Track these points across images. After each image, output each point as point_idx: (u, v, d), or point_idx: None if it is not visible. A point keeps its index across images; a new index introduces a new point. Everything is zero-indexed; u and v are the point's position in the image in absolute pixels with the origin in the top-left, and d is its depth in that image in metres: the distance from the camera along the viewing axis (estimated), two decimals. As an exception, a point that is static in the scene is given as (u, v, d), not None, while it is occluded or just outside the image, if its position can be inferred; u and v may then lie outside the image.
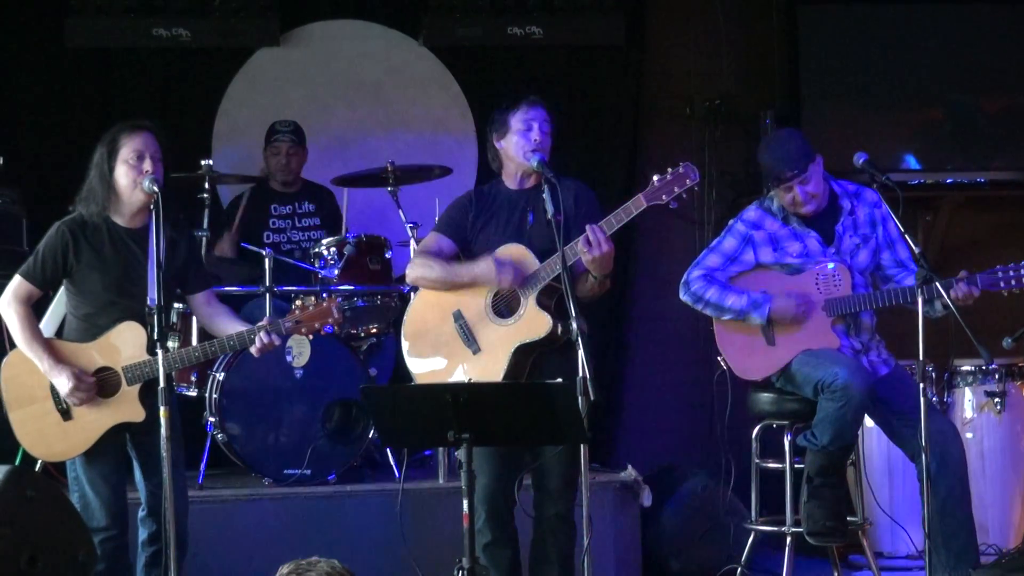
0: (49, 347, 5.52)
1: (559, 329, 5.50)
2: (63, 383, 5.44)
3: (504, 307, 5.67)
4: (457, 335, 5.71)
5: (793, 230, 6.13)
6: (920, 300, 5.53)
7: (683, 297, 6.23)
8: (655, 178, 5.57)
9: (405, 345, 5.87)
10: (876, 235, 6.13)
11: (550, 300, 5.58)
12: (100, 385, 5.51)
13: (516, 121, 5.74)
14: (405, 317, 5.94)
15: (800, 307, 6.03)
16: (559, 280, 5.41)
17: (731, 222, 6.29)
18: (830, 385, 5.82)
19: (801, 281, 6.10)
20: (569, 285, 5.29)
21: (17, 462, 5.83)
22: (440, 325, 5.75)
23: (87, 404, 5.48)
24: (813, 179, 6.04)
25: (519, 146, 5.72)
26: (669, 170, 5.57)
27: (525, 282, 5.57)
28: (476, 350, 5.67)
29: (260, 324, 5.52)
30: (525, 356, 5.61)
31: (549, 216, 5.37)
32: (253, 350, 5.52)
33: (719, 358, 6.29)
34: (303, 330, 5.58)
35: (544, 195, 5.46)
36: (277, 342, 5.53)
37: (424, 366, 5.79)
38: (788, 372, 6.08)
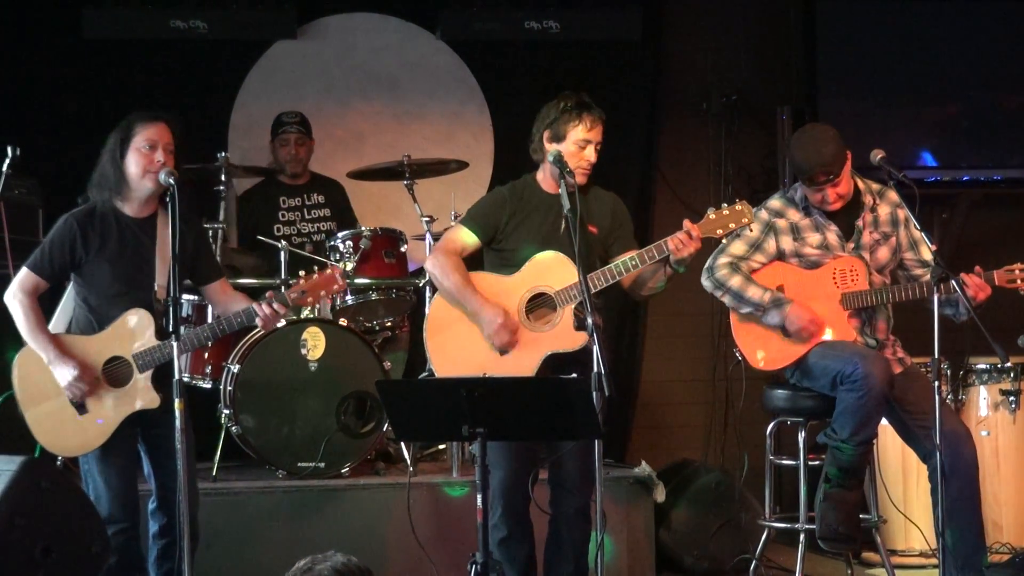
0: (55, 340, 5.50)
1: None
2: (65, 373, 5.42)
3: (539, 313, 5.68)
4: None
5: (814, 221, 6.14)
6: (936, 298, 5.53)
7: (704, 283, 6.21)
8: (711, 212, 5.63)
9: (428, 339, 5.82)
10: (897, 234, 6.13)
11: (584, 313, 5.54)
12: (111, 376, 5.51)
13: (574, 134, 5.71)
14: (429, 309, 5.92)
15: (813, 323, 6.02)
16: (597, 295, 5.48)
17: (754, 210, 6.27)
18: (850, 375, 5.82)
19: (818, 275, 6.10)
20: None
21: (36, 455, 5.83)
22: (466, 321, 5.71)
23: (100, 396, 5.47)
24: (844, 180, 6.03)
25: (568, 161, 5.65)
26: (725, 205, 5.62)
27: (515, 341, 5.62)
28: (504, 351, 5.66)
29: (265, 296, 5.54)
30: (551, 364, 5.62)
31: (565, 212, 5.35)
32: (258, 321, 5.53)
33: (734, 349, 6.28)
34: (308, 299, 5.62)
35: (561, 191, 5.44)
36: (282, 312, 5.52)
37: (447, 362, 5.75)
38: (804, 365, 6.07)
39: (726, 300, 6.18)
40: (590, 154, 5.72)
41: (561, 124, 5.73)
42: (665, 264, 5.61)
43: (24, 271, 5.55)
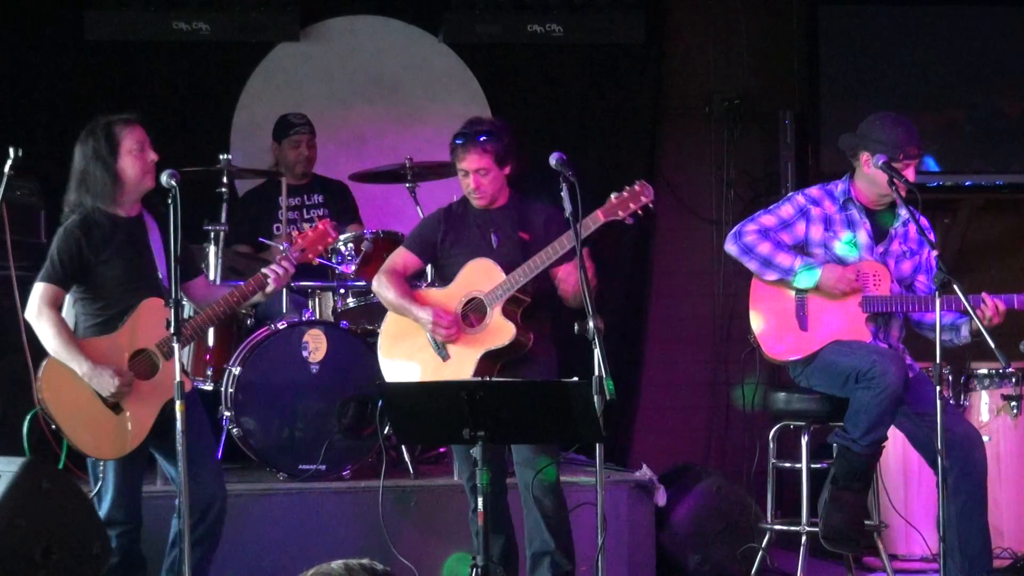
0: (84, 348, 5.49)
1: (523, 337, 5.78)
2: (106, 383, 5.41)
3: (473, 316, 5.88)
4: (428, 343, 5.93)
5: (849, 217, 6.14)
6: (937, 304, 5.56)
7: (729, 248, 6.16)
8: (612, 196, 5.79)
9: (381, 352, 6.11)
10: (921, 255, 6.15)
11: (516, 309, 5.83)
12: (139, 370, 5.51)
13: (457, 164, 6.02)
14: (383, 325, 6.17)
15: (851, 282, 6.02)
16: (524, 291, 5.77)
17: (791, 193, 6.33)
18: (867, 373, 5.81)
19: None
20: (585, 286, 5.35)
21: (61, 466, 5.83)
22: (414, 334, 5.98)
23: (133, 392, 5.47)
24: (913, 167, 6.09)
25: (463, 187, 6.04)
26: (626, 188, 5.80)
27: (462, 329, 5.87)
28: (445, 357, 5.91)
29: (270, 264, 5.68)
30: (491, 363, 5.84)
31: (567, 215, 5.34)
32: (271, 281, 5.64)
33: (749, 335, 6.24)
34: (309, 256, 5.79)
35: (562, 194, 5.45)
36: (292, 270, 5.72)
37: (397, 372, 6.03)
38: (819, 360, 6.06)
39: (752, 266, 6.13)
40: (469, 182, 5.98)
41: (452, 153, 6.05)
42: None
43: (42, 286, 5.51)
